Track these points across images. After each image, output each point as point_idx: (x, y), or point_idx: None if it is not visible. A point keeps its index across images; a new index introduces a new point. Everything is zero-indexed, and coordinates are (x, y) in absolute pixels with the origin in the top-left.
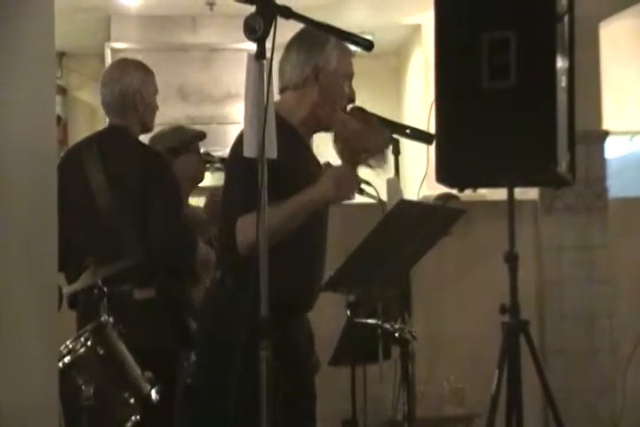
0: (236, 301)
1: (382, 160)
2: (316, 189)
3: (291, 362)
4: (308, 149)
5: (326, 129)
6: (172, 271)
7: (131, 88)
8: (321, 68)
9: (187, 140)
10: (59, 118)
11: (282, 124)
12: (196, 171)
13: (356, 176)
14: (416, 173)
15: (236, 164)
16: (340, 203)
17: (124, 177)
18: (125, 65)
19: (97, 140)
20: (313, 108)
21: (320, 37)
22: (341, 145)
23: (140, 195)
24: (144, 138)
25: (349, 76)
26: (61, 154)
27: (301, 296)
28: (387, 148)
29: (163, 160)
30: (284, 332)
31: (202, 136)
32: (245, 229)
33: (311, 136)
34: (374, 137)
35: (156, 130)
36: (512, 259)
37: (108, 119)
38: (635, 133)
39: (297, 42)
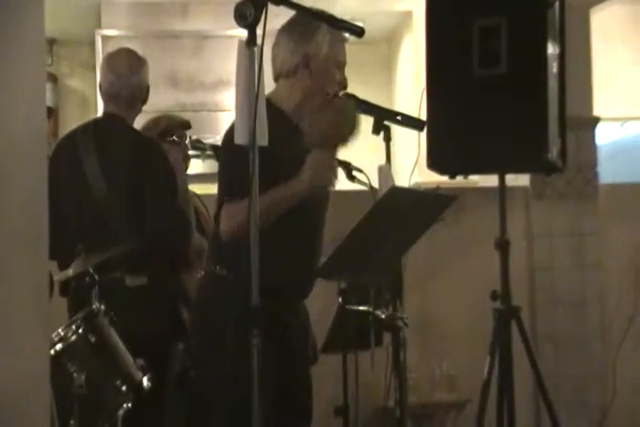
0: (227, 289)
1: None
2: (297, 181)
3: (282, 353)
4: (303, 136)
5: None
6: (165, 258)
7: (144, 83)
8: (312, 56)
9: (167, 129)
10: (50, 110)
11: (275, 112)
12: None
13: (335, 160)
14: (407, 160)
15: (226, 151)
16: (323, 188)
17: (118, 164)
18: (139, 58)
19: (92, 127)
20: (305, 96)
21: (311, 25)
22: (318, 130)
23: (134, 182)
24: None
25: (341, 63)
26: (54, 142)
27: (293, 283)
28: (358, 127)
29: (158, 147)
30: (276, 320)
31: (185, 125)
32: (228, 217)
33: (307, 124)
34: (348, 119)
35: (144, 118)
36: (503, 245)
37: (103, 107)
38: (625, 120)
39: (288, 29)
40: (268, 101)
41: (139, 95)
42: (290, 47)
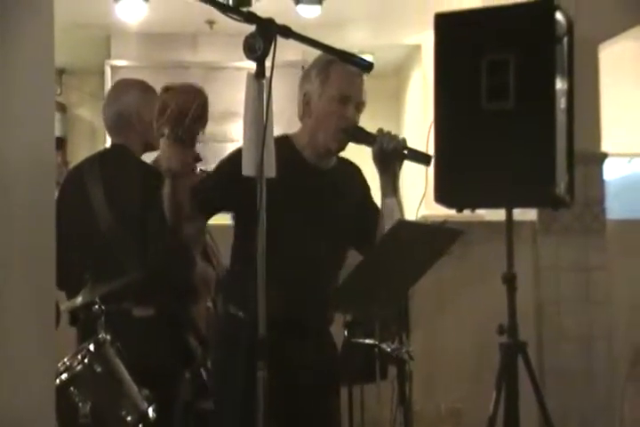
0: (243, 329)
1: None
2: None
3: (294, 386)
4: (319, 175)
5: (337, 152)
6: (170, 289)
7: (127, 108)
8: (310, 96)
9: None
10: (60, 140)
11: (286, 146)
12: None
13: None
14: (414, 193)
15: (221, 163)
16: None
17: (122, 195)
18: (125, 86)
19: (98, 158)
20: (312, 134)
21: (311, 65)
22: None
23: (137, 213)
24: (150, 156)
25: (346, 98)
26: (65, 171)
27: (291, 316)
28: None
29: (160, 178)
30: (283, 353)
31: (197, 158)
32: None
33: (326, 162)
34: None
35: None
36: (510, 279)
37: (110, 138)
38: (633, 155)
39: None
40: (286, 138)
41: (122, 122)
42: (298, 90)
